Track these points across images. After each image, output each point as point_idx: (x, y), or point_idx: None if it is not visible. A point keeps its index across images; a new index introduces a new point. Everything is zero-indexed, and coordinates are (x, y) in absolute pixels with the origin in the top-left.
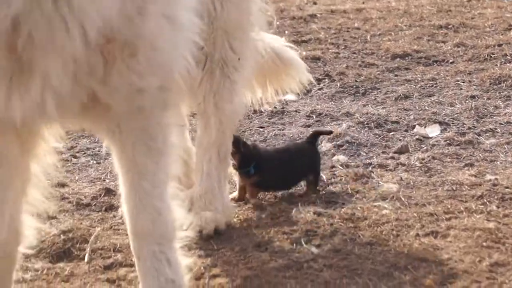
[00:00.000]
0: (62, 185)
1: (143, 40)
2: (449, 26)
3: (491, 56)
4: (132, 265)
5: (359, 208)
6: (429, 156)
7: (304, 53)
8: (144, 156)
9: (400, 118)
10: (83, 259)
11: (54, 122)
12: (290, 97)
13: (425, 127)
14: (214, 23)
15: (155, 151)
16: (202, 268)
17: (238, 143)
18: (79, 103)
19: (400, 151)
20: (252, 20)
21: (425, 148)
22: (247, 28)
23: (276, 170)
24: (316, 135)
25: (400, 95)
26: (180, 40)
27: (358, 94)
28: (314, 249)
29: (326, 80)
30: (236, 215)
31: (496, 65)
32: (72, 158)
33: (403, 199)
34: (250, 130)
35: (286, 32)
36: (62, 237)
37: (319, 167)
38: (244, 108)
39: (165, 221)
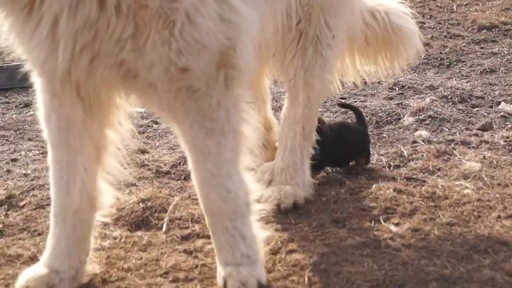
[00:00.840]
0: (143, 151)
1: (180, 13)
2: None
3: None
4: (209, 237)
5: (440, 186)
6: None
7: None
8: (204, 138)
9: (485, 93)
10: (161, 228)
11: (98, 85)
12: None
13: (510, 103)
14: None
15: (216, 131)
16: (279, 242)
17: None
18: (108, 70)
19: (484, 128)
20: None
21: (510, 125)
22: (344, 3)
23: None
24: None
25: (486, 68)
26: (229, 17)
27: (443, 67)
28: (393, 228)
29: None
30: (315, 189)
31: None
32: (153, 124)
33: (485, 178)
34: (331, 101)
35: None
36: (141, 205)
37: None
38: (332, 85)
39: (236, 197)
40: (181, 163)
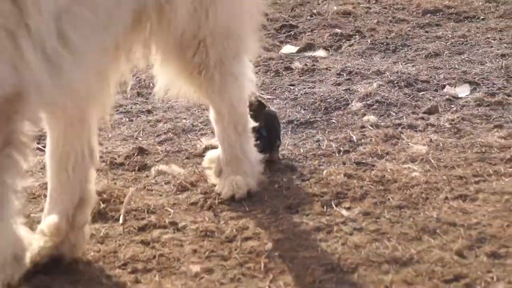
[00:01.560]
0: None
1: None
2: None
3: None
4: (165, 227)
5: (389, 170)
6: (458, 117)
7: (335, 7)
8: None
9: (431, 77)
10: (118, 220)
11: None
12: (321, 53)
13: (455, 86)
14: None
15: None
16: (234, 230)
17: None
18: None
19: (430, 112)
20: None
21: (454, 108)
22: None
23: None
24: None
25: (431, 52)
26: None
27: (389, 51)
28: (345, 212)
29: (357, 36)
30: (267, 176)
31: None
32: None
33: (432, 161)
34: (281, 88)
35: None
36: (97, 198)
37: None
38: (252, 83)
39: None
40: (135, 154)
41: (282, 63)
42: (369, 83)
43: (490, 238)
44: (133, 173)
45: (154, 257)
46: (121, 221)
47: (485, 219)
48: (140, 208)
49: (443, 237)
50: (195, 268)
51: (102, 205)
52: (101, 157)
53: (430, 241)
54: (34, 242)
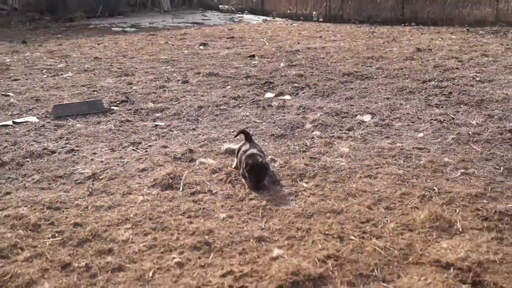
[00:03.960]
0: (165, 146)
1: None
2: (373, 57)
3: (397, 75)
4: (205, 192)
5: (328, 161)
6: (364, 132)
7: (293, 72)
8: None
9: (349, 110)
10: (179, 189)
11: None
12: (287, 97)
13: (362, 115)
14: None
15: None
16: (244, 194)
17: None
18: None
19: (349, 129)
20: None
21: (362, 127)
22: None
23: None
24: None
25: (348, 97)
26: None
27: (325, 96)
28: (304, 184)
29: (306, 88)
30: None
31: (400, 80)
32: (169, 131)
33: (352, 156)
34: (266, 116)
35: (284, 59)
36: (168, 176)
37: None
38: None
39: None
40: (187, 153)
41: (266, 102)
42: (315, 113)
43: (385, 198)
44: (186, 163)
45: (200, 209)
46: (181, 189)
47: (382, 189)
48: (191, 182)
49: (359, 198)
50: (222, 215)
51: (170, 181)
52: (168, 154)
53: (352, 200)
54: None
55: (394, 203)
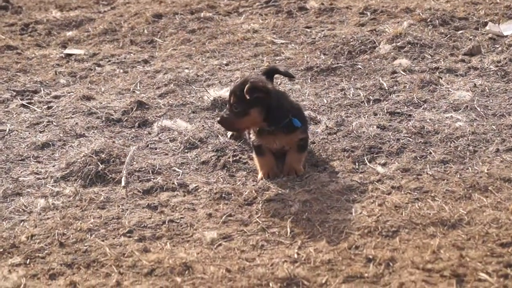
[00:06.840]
0: (88, 98)
1: None
2: None
3: None
4: (174, 189)
5: (428, 120)
6: (505, 58)
7: None
8: None
9: (469, 14)
10: (120, 182)
11: None
12: None
13: (498, 23)
14: None
15: None
16: (253, 192)
17: None
18: None
19: (471, 53)
20: None
21: (500, 48)
22: None
23: None
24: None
25: None
26: None
27: None
28: (380, 169)
29: None
30: None
31: None
32: (96, 67)
33: (478, 109)
34: (295, 30)
35: None
36: (95, 158)
37: None
38: None
39: None
40: (133, 109)
41: (294, 2)
42: (398, 22)
43: None
44: (133, 130)
45: (164, 223)
46: (123, 183)
47: None
48: (144, 169)
49: (497, 195)
50: (211, 235)
51: (101, 166)
52: (95, 113)
53: (482, 199)
54: None
55: None
